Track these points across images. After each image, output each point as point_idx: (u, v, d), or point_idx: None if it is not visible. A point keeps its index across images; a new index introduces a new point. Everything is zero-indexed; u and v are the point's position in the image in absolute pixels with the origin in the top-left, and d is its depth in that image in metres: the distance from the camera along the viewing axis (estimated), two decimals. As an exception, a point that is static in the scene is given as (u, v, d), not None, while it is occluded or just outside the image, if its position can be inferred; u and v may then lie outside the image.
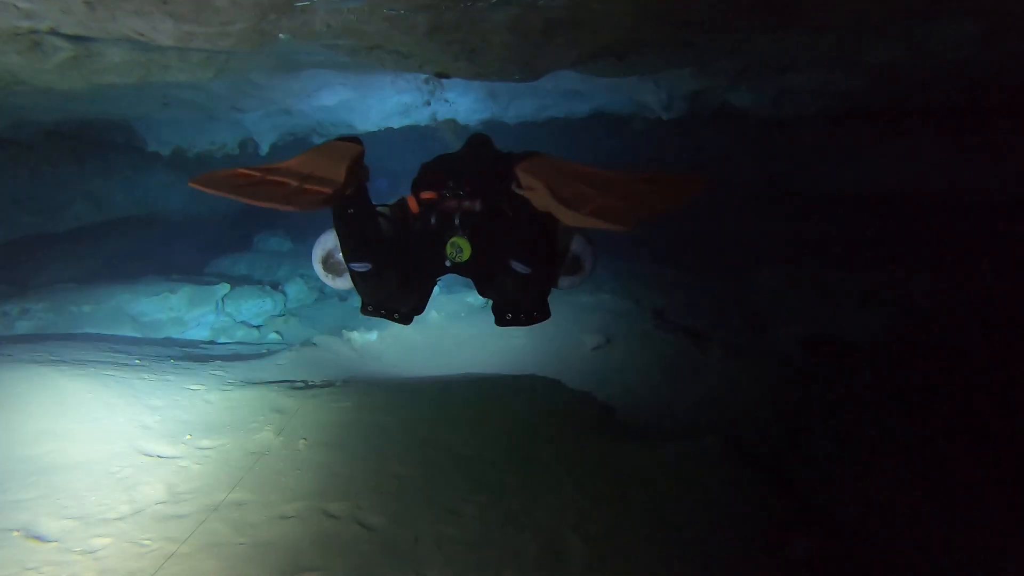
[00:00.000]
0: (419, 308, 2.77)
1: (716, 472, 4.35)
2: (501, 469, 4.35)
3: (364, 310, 2.63)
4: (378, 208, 2.56)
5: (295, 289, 10.24)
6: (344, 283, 2.61)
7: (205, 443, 4.82)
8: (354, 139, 2.48)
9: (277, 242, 12.74)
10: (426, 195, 2.58)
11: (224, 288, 8.99)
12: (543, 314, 2.61)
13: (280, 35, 3.25)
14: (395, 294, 2.59)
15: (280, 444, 4.80)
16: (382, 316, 2.63)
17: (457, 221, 2.52)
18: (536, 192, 2.21)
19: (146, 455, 4.60)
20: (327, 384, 5.83)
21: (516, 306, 2.59)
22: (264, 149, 9.09)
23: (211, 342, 8.44)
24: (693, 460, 4.39)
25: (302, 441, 4.81)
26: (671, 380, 6.74)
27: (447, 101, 8.91)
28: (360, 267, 2.41)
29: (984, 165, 8.68)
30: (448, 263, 2.53)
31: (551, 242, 2.49)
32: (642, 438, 4.90)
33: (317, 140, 9.97)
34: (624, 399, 6.08)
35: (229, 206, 13.05)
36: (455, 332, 8.32)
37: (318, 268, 2.62)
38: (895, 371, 7.94)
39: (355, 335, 8.25)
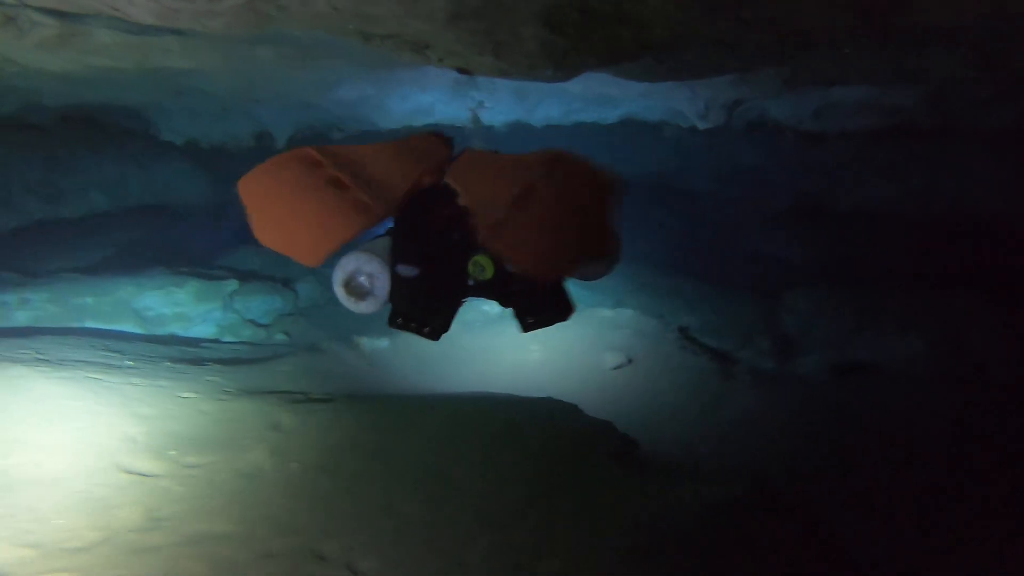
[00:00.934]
0: (446, 326, 2.60)
1: (745, 525, 3.86)
2: (512, 510, 3.90)
3: (393, 322, 2.47)
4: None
5: (307, 288, 9.85)
6: (367, 307, 2.42)
7: (192, 460, 4.42)
8: (447, 138, 2.39)
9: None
10: (448, 211, 2.38)
11: (233, 284, 8.62)
12: (566, 310, 2.43)
13: (277, 15, 2.83)
14: (430, 306, 2.48)
15: (273, 466, 4.38)
16: (411, 330, 2.47)
17: (480, 239, 2.28)
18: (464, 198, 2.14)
19: (126, 472, 4.19)
20: (329, 398, 5.41)
21: (535, 308, 2.45)
22: (280, 143, 8.71)
23: (216, 340, 8.06)
24: (720, 511, 3.91)
25: (295, 464, 4.39)
26: (696, 408, 6.25)
27: (481, 104, 8.48)
28: (407, 271, 2.30)
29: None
30: (471, 282, 2.39)
31: None
32: (666, 479, 4.41)
33: (337, 136, 9.59)
34: (646, 429, 5.60)
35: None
36: (469, 343, 7.89)
37: (339, 291, 2.42)
38: (935, 406, 7.38)
39: (365, 340, 7.84)
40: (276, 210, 2.00)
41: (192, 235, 12.10)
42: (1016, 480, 5.82)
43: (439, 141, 2.35)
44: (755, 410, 6.38)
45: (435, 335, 2.50)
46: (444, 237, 2.38)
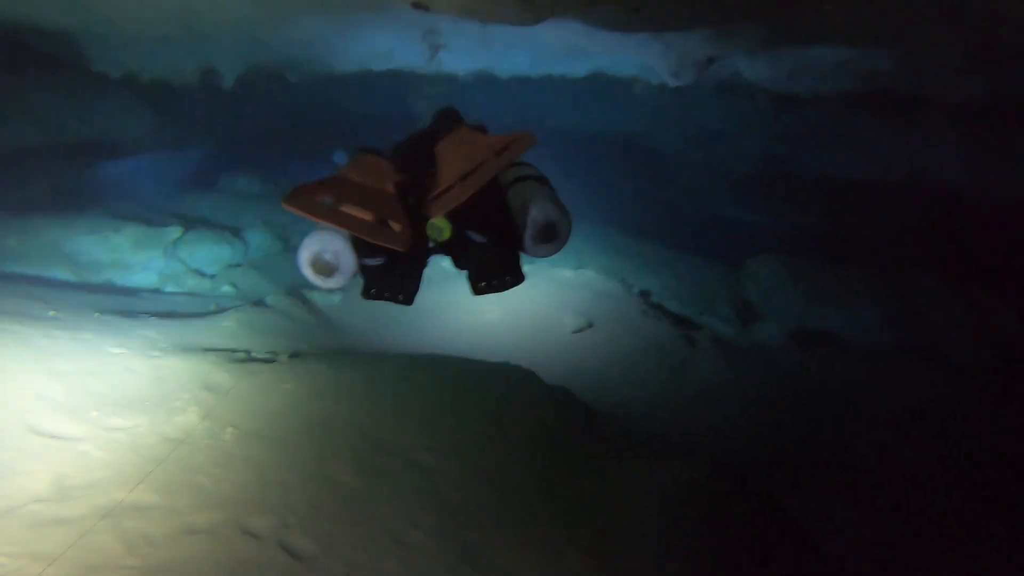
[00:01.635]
0: (417, 288, 2.68)
1: (708, 508, 3.66)
2: (462, 487, 3.62)
3: (366, 294, 2.55)
4: None
5: (258, 237, 9.32)
6: (335, 283, 2.49)
7: (115, 422, 4.02)
8: (377, 151, 2.61)
9: (245, 183, 11.69)
10: (401, 180, 2.48)
11: (175, 231, 8.06)
12: (516, 278, 2.55)
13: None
14: (400, 279, 2.58)
15: (204, 431, 4.01)
16: (385, 299, 2.57)
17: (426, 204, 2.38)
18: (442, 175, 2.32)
19: (38, 434, 3.78)
20: (272, 357, 5.02)
21: (488, 273, 2.54)
22: (228, 82, 8.06)
23: (156, 290, 7.55)
24: (683, 492, 3.70)
25: (230, 430, 4.03)
26: (658, 376, 6.04)
27: (438, 47, 7.95)
28: (374, 261, 2.46)
29: (1010, 168, 7.99)
30: (431, 244, 2.45)
31: (501, 208, 2.48)
32: (627, 455, 4.18)
33: (290, 76, 8.94)
34: (607, 397, 5.37)
35: (199, 139, 11.96)
36: (427, 300, 7.47)
37: (307, 271, 2.46)
38: (892, 379, 7.35)
39: (316, 295, 7.42)
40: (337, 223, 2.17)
41: (136, 176, 11.35)
42: (971, 452, 5.80)
43: (379, 158, 2.53)
44: (717, 380, 6.22)
45: (409, 300, 2.61)
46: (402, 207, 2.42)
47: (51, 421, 3.88)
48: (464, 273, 2.61)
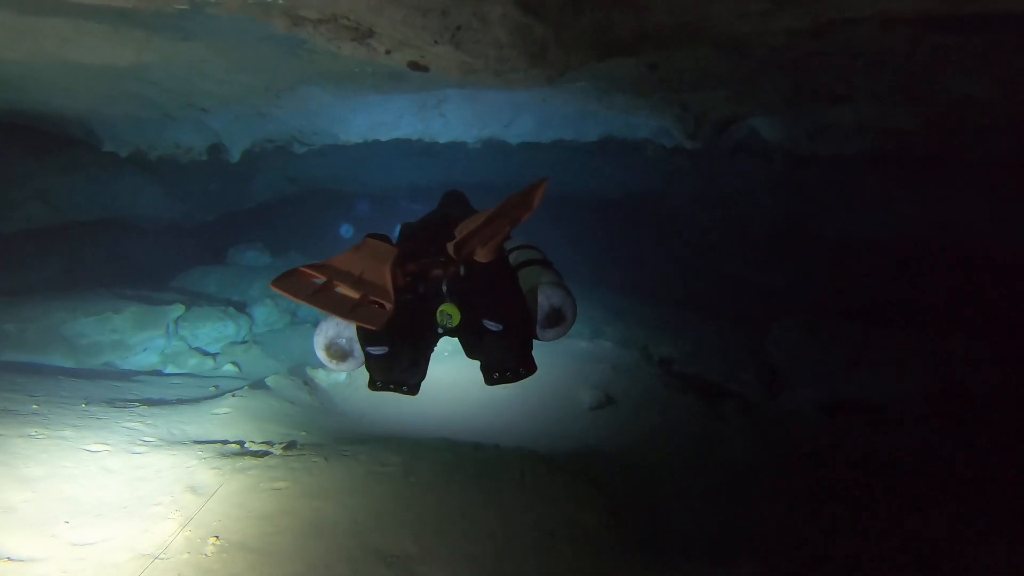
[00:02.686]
0: (423, 375, 2.66)
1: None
2: (471, 611, 3.09)
3: (373, 386, 2.57)
4: None
5: (264, 312, 8.97)
6: (348, 367, 2.53)
7: (84, 536, 3.55)
8: (384, 237, 2.55)
9: (254, 256, 11.45)
10: (411, 267, 2.48)
11: (177, 309, 7.72)
12: (528, 369, 2.53)
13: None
14: (406, 369, 2.54)
15: (183, 543, 3.52)
16: (391, 391, 2.56)
17: (444, 288, 2.43)
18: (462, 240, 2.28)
19: (-5, 555, 3.32)
20: (266, 450, 4.56)
21: (501, 364, 2.51)
22: (235, 156, 7.87)
23: (156, 372, 7.16)
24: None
25: (212, 540, 3.54)
26: (684, 457, 5.49)
27: (442, 116, 7.75)
28: (378, 351, 2.42)
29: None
30: (440, 331, 2.46)
31: (517, 297, 2.48)
32: (657, 559, 3.63)
33: (298, 149, 8.76)
34: (631, 484, 4.82)
35: (206, 213, 11.81)
36: (436, 377, 7.04)
37: (321, 355, 2.49)
38: (938, 449, 6.72)
39: (321, 373, 6.99)
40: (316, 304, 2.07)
41: (147, 252, 11.17)
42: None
43: (384, 243, 2.46)
44: (748, 460, 5.64)
45: (414, 391, 2.60)
46: (412, 291, 2.44)
47: (12, 539, 3.43)
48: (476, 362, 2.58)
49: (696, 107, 6.02)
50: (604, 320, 8.90)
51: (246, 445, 4.66)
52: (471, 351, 2.57)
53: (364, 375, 6.56)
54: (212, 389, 6.40)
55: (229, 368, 7.41)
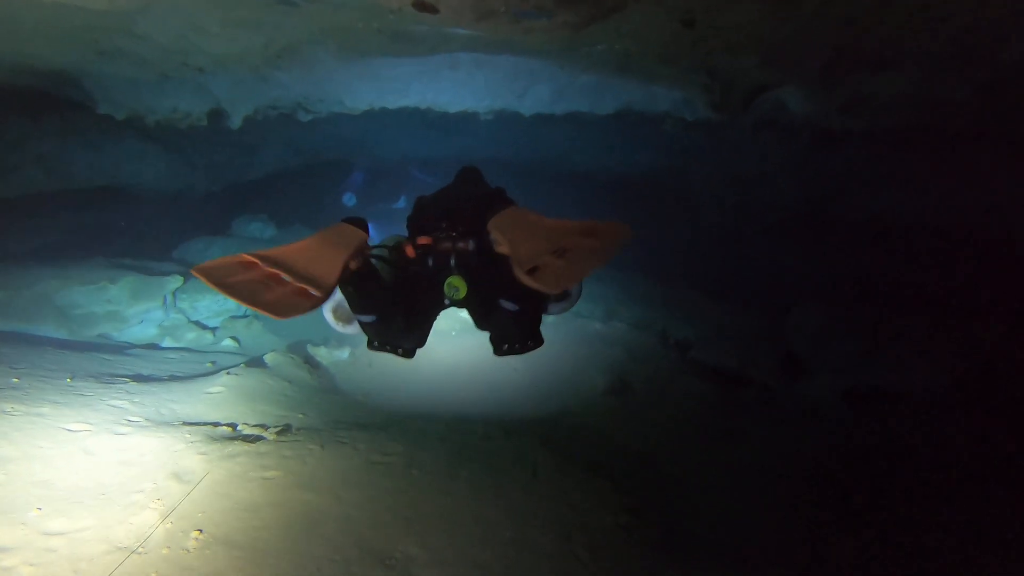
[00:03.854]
0: (421, 342, 2.75)
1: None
2: (476, 625, 2.74)
3: (370, 346, 2.62)
4: (375, 251, 2.57)
5: (267, 285, 8.60)
6: (354, 328, 2.62)
7: (56, 525, 3.23)
8: (360, 221, 2.50)
9: (259, 227, 11.08)
10: (422, 240, 2.57)
11: (176, 281, 7.37)
12: (536, 342, 2.57)
13: None
14: (400, 333, 2.62)
15: (163, 536, 3.19)
16: (387, 351, 2.60)
17: (453, 262, 2.51)
18: (503, 247, 2.31)
19: (-44, 546, 2.99)
20: (259, 434, 4.21)
21: (511, 337, 2.56)
22: (237, 121, 7.46)
23: (151, 346, 6.83)
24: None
25: (195, 534, 3.21)
26: (703, 449, 5.12)
27: (452, 83, 7.30)
28: (367, 319, 2.50)
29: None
30: (447, 301, 2.55)
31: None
32: (679, 561, 3.28)
33: (303, 117, 8.34)
34: (648, 477, 4.46)
35: (210, 183, 11.43)
36: (443, 355, 6.72)
37: (328, 317, 2.59)
38: (961, 439, 6.34)
39: (323, 351, 6.65)
40: (235, 295, 1.95)
41: (149, 222, 10.81)
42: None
43: (354, 228, 2.43)
44: (770, 452, 5.28)
45: (409, 354, 2.64)
46: (421, 262, 2.53)
47: (-25, 526, 3.10)
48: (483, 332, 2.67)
49: (725, 74, 5.56)
50: (618, 301, 8.50)
51: (238, 428, 4.32)
52: (481, 322, 2.65)
53: (366, 358, 6.19)
54: (208, 365, 6.08)
55: (228, 343, 7.08)
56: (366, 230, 2.44)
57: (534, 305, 2.48)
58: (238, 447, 3.93)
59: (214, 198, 11.66)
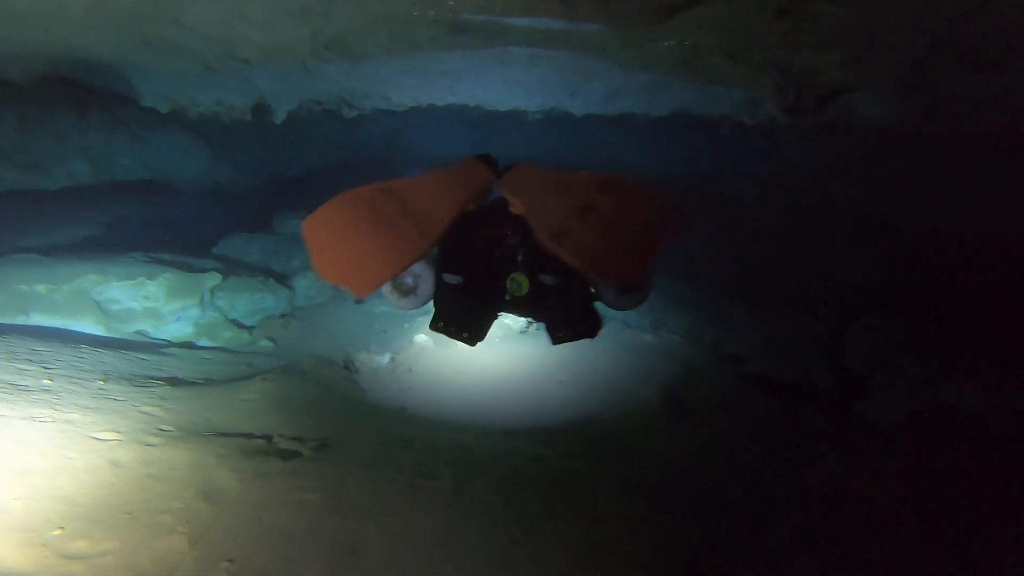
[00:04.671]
0: (483, 335, 2.56)
1: None
2: None
3: (434, 325, 2.47)
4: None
5: (305, 284, 8.36)
6: (408, 304, 2.48)
7: (78, 547, 2.95)
8: (488, 160, 2.36)
9: (298, 225, 10.85)
10: (490, 230, 2.42)
11: (214, 278, 7.14)
12: (593, 325, 2.40)
13: None
14: (471, 312, 2.47)
15: (191, 565, 2.89)
16: (451, 334, 2.45)
17: (520, 258, 2.36)
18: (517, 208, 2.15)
19: (-30, 570, 2.72)
20: (297, 448, 3.90)
21: (567, 323, 2.42)
22: (280, 116, 7.22)
23: (188, 345, 6.61)
24: None
25: (225, 566, 2.90)
26: (770, 478, 4.67)
27: (503, 80, 6.95)
28: (452, 279, 2.41)
29: None
30: (508, 297, 2.41)
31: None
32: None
33: (348, 113, 8.07)
34: (718, 514, 4.04)
35: (252, 178, 11.27)
36: (487, 364, 6.37)
37: (385, 289, 2.41)
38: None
39: (363, 355, 6.35)
40: (333, 248, 2.01)
41: (190, 217, 10.68)
42: None
43: (481, 166, 2.26)
44: (843, 484, 4.80)
45: (473, 341, 2.48)
46: (488, 254, 2.39)
47: (-7, 547, 2.83)
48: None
49: (803, 73, 5.10)
50: (665, 310, 8.06)
51: (274, 440, 4.02)
52: (535, 312, 2.52)
53: (412, 364, 5.84)
54: (244, 367, 5.82)
55: (265, 344, 6.82)
56: (494, 168, 2.28)
57: (576, 280, 2.32)
58: (273, 464, 3.62)
59: (255, 193, 11.50)
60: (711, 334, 7.65)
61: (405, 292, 2.47)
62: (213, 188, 10.74)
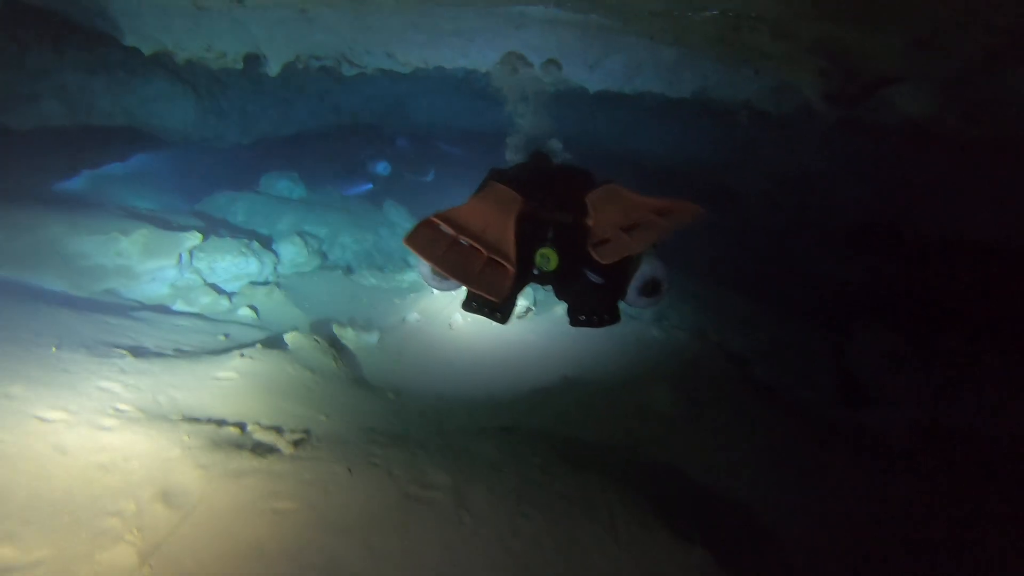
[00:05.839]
0: (511, 311, 2.63)
1: None
2: None
3: (468, 306, 2.49)
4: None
5: (292, 250, 7.75)
6: (448, 286, 2.40)
7: (2, 555, 2.39)
8: (507, 179, 2.52)
9: (287, 186, 10.17)
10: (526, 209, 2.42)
11: (194, 237, 6.51)
12: (613, 318, 2.51)
13: None
14: (509, 293, 2.33)
15: (138, 587, 2.35)
16: (484, 314, 2.49)
17: (550, 234, 2.41)
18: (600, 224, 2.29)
19: None
20: (271, 444, 3.35)
21: (589, 309, 2.53)
22: (275, 68, 6.53)
23: (162, 308, 6.00)
24: None
25: (180, 589, 2.36)
26: (791, 490, 4.24)
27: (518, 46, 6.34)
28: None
29: None
30: (536, 271, 2.42)
31: (625, 258, 2.29)
32: None
33: (348, 71, 7.38)
34: (743, 534, 3.59)
35: (241, 134, 10.52)
36: (483, 346, 5.86)
37: (424, 269, 2.32)
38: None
39: (349, 332, 5.79)
40: (450, 271, 2.05)
41: (172, 169, 9.95)
42: None
43: (509, 189, 2.34)
44: (863, 497, 4.40)
45: (504, 319, 2.53)
46: (519, 227, 2.29)
47: None
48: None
49: (856, 58, 4.57)
50: (667, 303, 7.59)
51: (248, 430, 3.47)
52: (561, 293, 2.60)
53: (397, 344, 5.33)
54: (221, 338, 5.23)
55: (245, 313, 6.22)
56: (527, 191, 2.36)
57: (617, 281, 2.42)
58: (246, 461, 3.07)
59: (243, 151, 10.75)
60: (712, 329, 7.20)
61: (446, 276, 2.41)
62: (199, 141, 9.99)
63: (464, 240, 2.08)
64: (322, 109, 11.03)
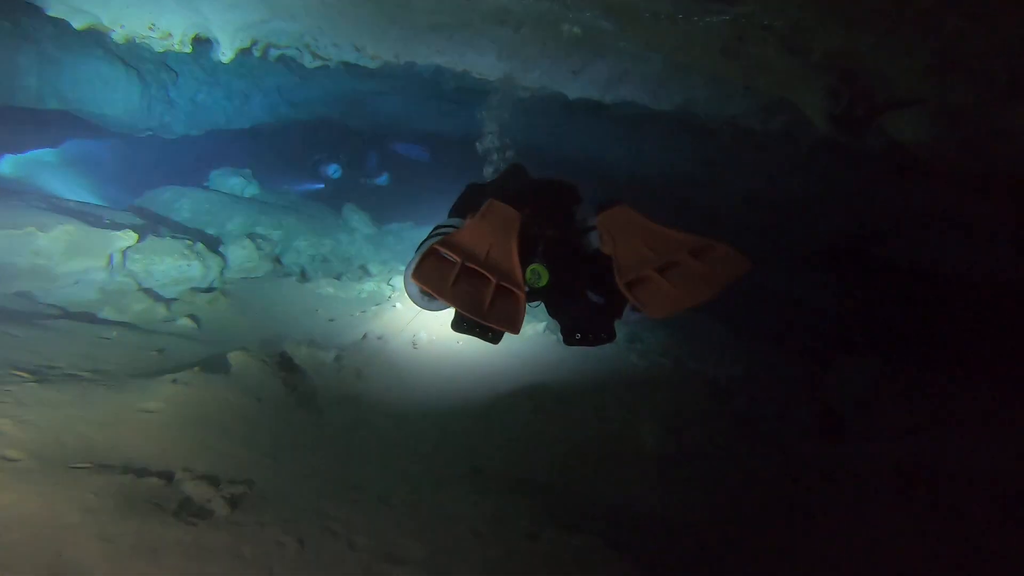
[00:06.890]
0: (502, 332, 2.42)
1: None
2: None
3: (458, 327, 2.35)
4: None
5: (241, 254, 7.01)
6: (436, 306, 2.34)
7: None
8: (506, 195, 2.33)
9: (239, 184, 9.38)
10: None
11: (127, 237, 5.74)
12: (610, 337, 2.40)
13: None
14: None
15: None
16: (475, 333, 2.30)
17: (541, 248, 2.31)
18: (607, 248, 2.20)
19: None
20: (202, 503, 2.71)
21: (585, 328, 2.40)
22: (227, 53, 5.84)
23: (87, 315, 5.22)
24: None
25: None
26: (789, 541, 3.81)
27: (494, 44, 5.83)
28: None
29: None
30: (526, 288, 2.18)
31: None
32: None
33: (309, 62, 6.72)
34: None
35: (190, 126, 9.68)
36: (449, 368, 5.29)
37: (413, 292, 2.26)
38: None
39: (303, 350, 5.12)
40: (462, 307, 1.94)
41: (111, 160, 9.05)
42: None
43: (508, 207, 2.20)
44: (844, 541, 4.02)
45: (496, 339, 2.38)
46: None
47: None
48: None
49: (867, 77, 4.21)
50: (657, 336, 7.20)
51: (176, 480, 2.81)
52: (554, 311, 2.53)
53: (356, 365, 4.75)
54: (154, 355, 4.52)
55: (185, 323, 5.48)
56: (515, 206, 2.22)
57: (619, 302, 2.31)
58: (169, 529, 2.43)
59: (192, 143, 9.92)
60: (692, 359, 6.80)
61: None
62: (142, 131, 9.13)
63: (471, 265, 1.96)
64: (278, 103, 10.28)
